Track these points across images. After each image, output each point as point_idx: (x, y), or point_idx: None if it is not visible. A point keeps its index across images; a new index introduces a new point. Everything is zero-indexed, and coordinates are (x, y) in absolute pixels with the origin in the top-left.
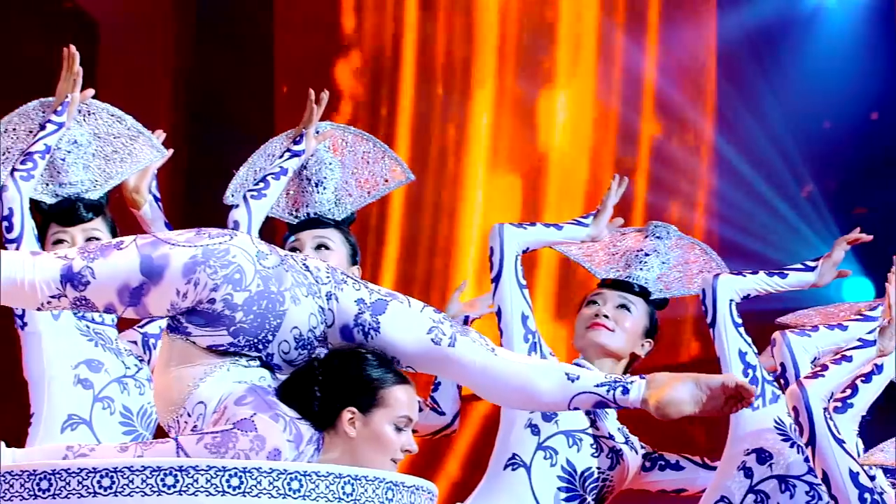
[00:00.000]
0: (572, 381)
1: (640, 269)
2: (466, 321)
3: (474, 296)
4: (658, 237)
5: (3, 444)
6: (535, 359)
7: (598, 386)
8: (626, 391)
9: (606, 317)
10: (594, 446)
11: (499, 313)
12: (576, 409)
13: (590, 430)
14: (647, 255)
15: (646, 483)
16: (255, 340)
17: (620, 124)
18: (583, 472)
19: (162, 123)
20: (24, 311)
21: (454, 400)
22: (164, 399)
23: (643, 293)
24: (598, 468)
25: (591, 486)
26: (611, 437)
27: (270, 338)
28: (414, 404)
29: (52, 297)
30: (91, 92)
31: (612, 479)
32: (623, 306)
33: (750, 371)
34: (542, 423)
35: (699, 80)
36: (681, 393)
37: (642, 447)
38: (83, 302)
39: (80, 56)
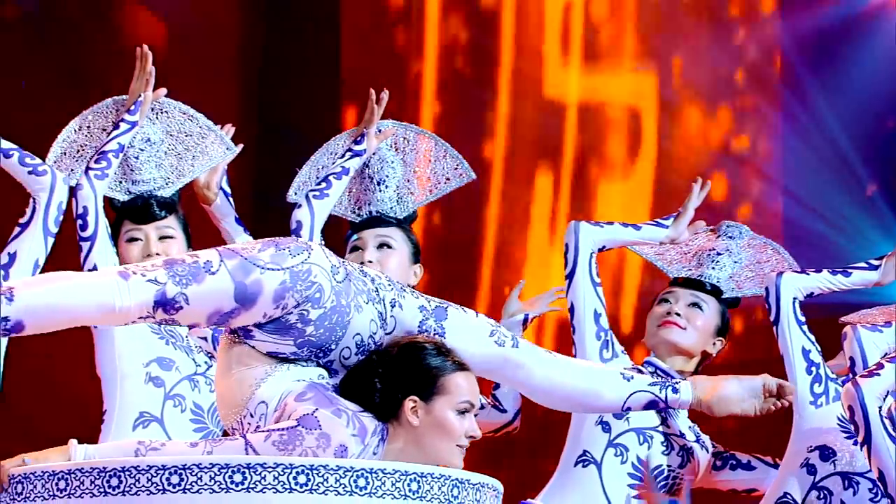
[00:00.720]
0: (627, 381)
1: (713, 268)
2: (526, 320)
3: (533, 295)
4: (730, 237)
5: (74, 441)
6: (589, 362)
7: (651, 385)
8: (675, 390)
9: (678, 315)
10: (665, 444)
11: (571, 310)
12: (628, 409)
13: (660, 428)
14: (719, 254)
15: (717, 482)
16: (318, 350)
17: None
18: (653, 470)
19: (230, 121)
20: None
21: (515, 397)
22: (226, 402)
23: (715, 292)
24: (669, 465)
25: (661, 483)
26: (681, 434)
27: (333, 346)
28: (475, 390)
29: (141, 317)
30: (163, 91)
31: (682, 476)
32: (695, 304)
33: (814, 369)
34: (613, 420)
35: (764, 79)
36: (728, 391)
37: (713, 446)
38: (170, 322)
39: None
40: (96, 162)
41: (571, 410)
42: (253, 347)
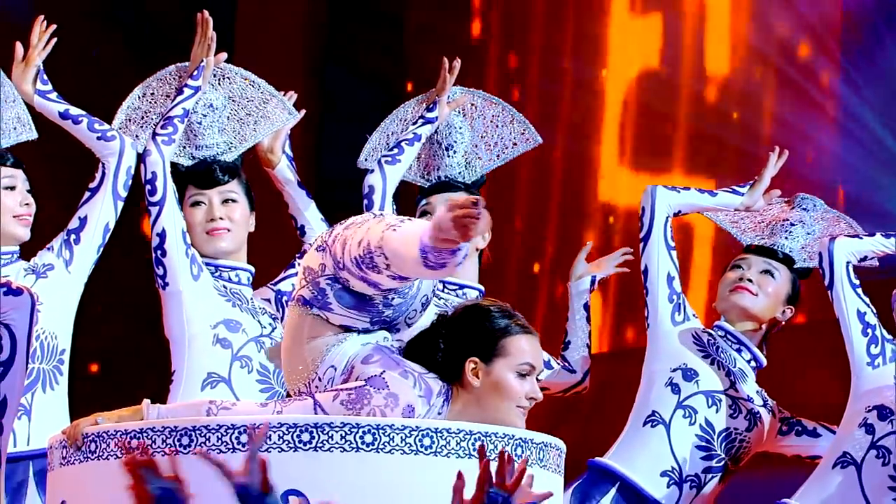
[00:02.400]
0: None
1: (786, 238)
2: (593, 282)
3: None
4: (804, 209)
5: (147, 400)
6: None
7: None
8: None
9: (750, 280)
10: (733, 407)
11: (645, 272)
12: None
13: (729, 392)
14: (792, 224)
15: (781, 447)
16: (388, 326)
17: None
18: (721, 432)
19: (297, 86)
20: (165, 270)
21: (584, 358)
22: (294, 368)
23: (787, 261)
24: (736, 429)
25: (728, 446)
26: (749, 399)
27: (400, 318)
28: (537, 353)
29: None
30: (224, 55)
31: (748, 440)
32: (767, 272)
33: (869, 330)
34: (682, 382)
35: (825, 39)
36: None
37: (780, 411)
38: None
39: (214, 21)
40: (163, 127)
41: None
42: (326, 320)
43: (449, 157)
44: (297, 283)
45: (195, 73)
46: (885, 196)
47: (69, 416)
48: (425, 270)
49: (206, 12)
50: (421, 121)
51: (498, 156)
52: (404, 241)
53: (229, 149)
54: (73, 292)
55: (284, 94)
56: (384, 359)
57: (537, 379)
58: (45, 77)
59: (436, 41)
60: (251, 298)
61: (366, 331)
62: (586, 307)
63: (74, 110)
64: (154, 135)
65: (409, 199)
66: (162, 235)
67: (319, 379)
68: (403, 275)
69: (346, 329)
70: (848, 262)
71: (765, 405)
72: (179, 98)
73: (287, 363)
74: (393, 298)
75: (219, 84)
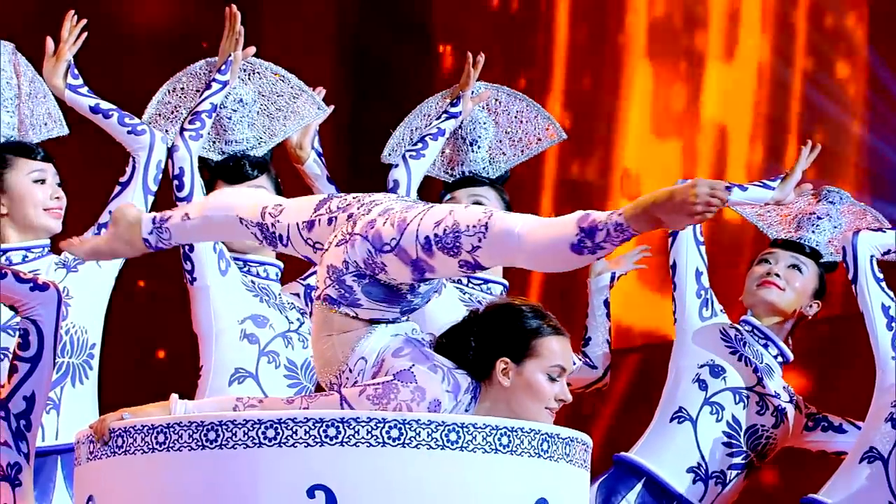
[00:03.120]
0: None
1: (812, 231)
2: (613, 278)
3: (619, 254)
4: (831, 202)
5: (175, 395)
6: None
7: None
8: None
9: (778, 275)
10: (759, 404)
11: (673, 267)
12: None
13: (756, 388)
14: (819, 218)
15: (807, 443)
16: (413, 311)
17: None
18: (747, 429)
19: (325, 82)
20: (193, 265)
21: (605, 354)
22: (325, 361)
23: (814, 255)
24: (763, 426)
25: (754, 442)
26: (776, 395)
27: (424, 305)
28: (568, 355)
29: None
30: (252, 50)
31: (774, 436)
32: (794, 266)
33: (894, 324)
34: (710, 378)
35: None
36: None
37: (806, 407)
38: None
39: (242, 16)
40: (190, 123)
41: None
42: (356, 316)
43: (473, 152)
44: (321, 283)
45: (223, 67)
46: None
47: (98, 411)
48: (568, 255)
49: (234, 7)
50: (445, 115)
51: (522, 151)
52: (541, 223)
53: (259, 144)
54: (104, 287)
55: (314, 90)
56: (414, 352)
57: None
58: (76, 71)
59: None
60: (279, 294)
61: (394, 321)
62: (606, 303)
63: (105, 104)
64: (182, 130)
65: (432, 194)
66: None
67: (350, 370)
68: (488, 262)
69: (376, 322)
70: (872, 256)
71: (791, 401)
72: (207, 93)
73: (318, 355)
74: (419, 285)
75: (249, 79)
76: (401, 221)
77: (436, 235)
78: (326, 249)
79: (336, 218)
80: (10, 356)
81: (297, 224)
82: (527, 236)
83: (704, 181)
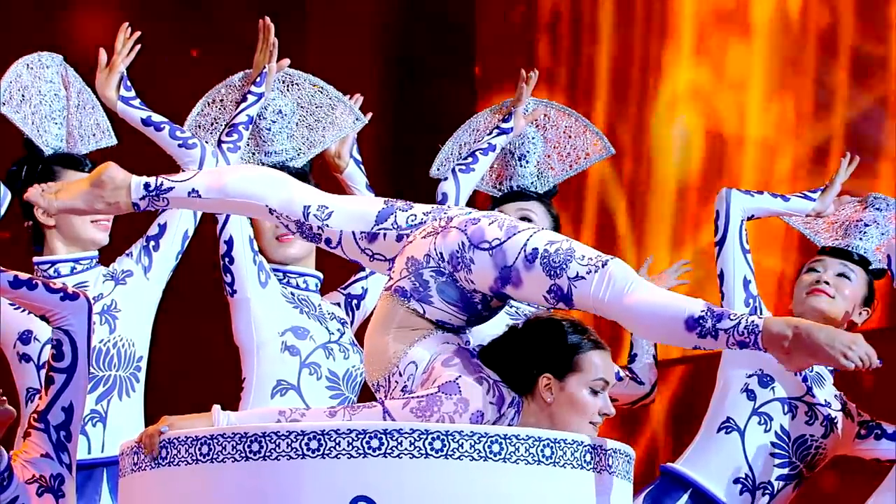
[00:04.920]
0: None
1: (860, 238)
2: None
3: (662, 269)
4: (878, 209)
5: (218, 407)
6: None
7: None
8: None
9: (827, 283)
10: (809, 414)
11: (721, 276)
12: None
13: (805, 398)
14: (866, 225)
15: (859, 451)
16: (477, 324)
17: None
18: (796, 440)
19: (367, 93)
20: (233, 278)
21: (652, 370)
22: (376, 358)
23: (863, 262)
24: (812, 436)
25: (804, 453)
26: (826, 404)
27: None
28: (610, 368)
29: None
30: (286, 62)
31: (824, 446)
32: (843, 274)
33: None
34: (758, 388)
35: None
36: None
37: (859, 414)
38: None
39: (287, 29)
40: (228, 135)
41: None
42: (422, 314)
43: (522, 167)
44: (396, 274)
45: (258, 79)
46: None
47: (144, 423)
48: (674, 326)
49: (267, 19)
50: (496, 131)
51: (570, 166)
52: (664, 293)
53: (298, 155)
54: (152, 299)
55: (351, 98)
56: (463, 362)
57: None
58: (129, 83)
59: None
60: (319, 305)
61: (458, 329)
62: None
63: (157, 117)
64: (220, 142)
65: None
66: (229, 243)
67: (400, 374)
68: (584, 296)
69: (438, 325)
70: None
71: (842, 409)
72: (244, 105)
73: (369, 353)
74: (492, 300)
75: (287, 90)
76: (510, 227)
77: (545, 251)
78: (411, 242)
79: (407, 236)
80: (46, 367)
81: (354, 233)
82: (639, 293)
83: (864, 343)
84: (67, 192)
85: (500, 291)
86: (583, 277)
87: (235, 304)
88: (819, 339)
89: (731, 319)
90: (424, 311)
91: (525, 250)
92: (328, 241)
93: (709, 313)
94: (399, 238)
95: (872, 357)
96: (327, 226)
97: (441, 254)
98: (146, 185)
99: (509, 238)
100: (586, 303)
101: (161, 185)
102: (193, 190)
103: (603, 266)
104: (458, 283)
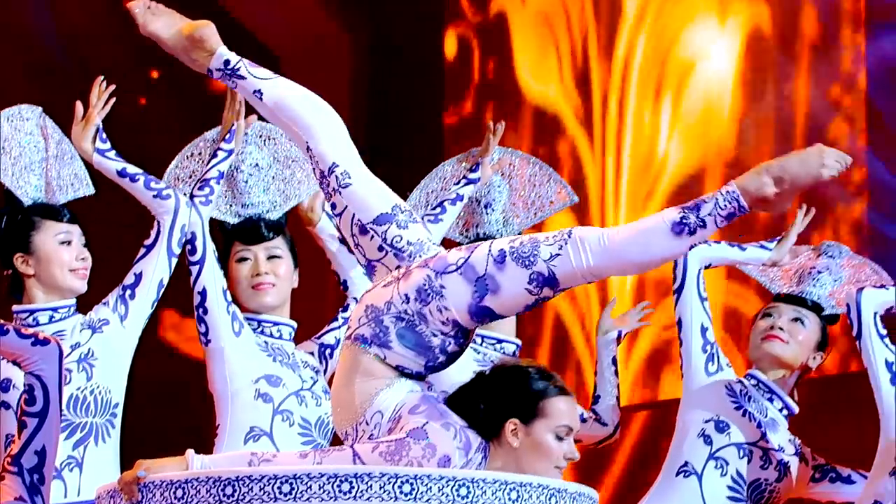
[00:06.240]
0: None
1: (813, 285)
2: (619, 336)
3: (623, 311)
4: (830, 256)
5: (191, 451)
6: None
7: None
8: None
9: (781, 329)
10: (763, 458)
11: (679, 323)
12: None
13: (760, 443)
14: (819, 272)
15: (814, 494)
16: (436, 372)
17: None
18: (751, 483)
19: None
20: (207, 328)
21: (615, 410)
22: (343, 409)
23: (816, 308)
24: (766, 480)
25: (758, 496)
26: (780, 449)
27: (448, 367)
28: (574, 414)
29: None
30: (254, 118)
31: (778, 490)
32: (797, 319)
33: None
34: (714, 433)
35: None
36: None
37: (814, 458)
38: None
39: None
40: (200, 189)
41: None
42: (383, 359)
43: (487, 214)
44: (354, 322)
45: (227, 135)
46: None
47: (119, 468)
48: (665, 238)
49: None
50: (464, 181)
51: (535, 214)
52: (630, 224)
53: (274, 207)
54: (128, 347)
55: None
56: (430, 409)
57: None
58: (104, 136)
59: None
60: (293, 353)
61: (417, 375)
62: (614, 361)
63: (132, 168)
64: (192, 196)
65: None
66: (203, 294)
67: (367, 423)
68: (567, 271)
69: (399, 371)
70: (875, 313)
71: (796, 453)
72: (214, 161)
73: (336, 404)
74: (449, 345)
75: (265, 145)
76: (469, 246)
77: (511, 248)
78: (370, 291)
79: (385, 252)
80: (18, 412)
81: (354, 216)
82: (615, 233)
83: (829, 149)
84: (165, 23)
85: (480, 307)
86: (558, 254)
87: (210, 353)
88: (794, 169)
89: (708, 202)
90: (385, 357)
91: (492, 255)
92: (333, 206)
93: (686, 210)
94: (380, 248)
95: (843, 156)
96: (339, 193)
97: (406, 295)
98: (226, 62)
99: (472, 253)
100: (574, 276)
101: (238, 69)
102: (259, 91)
103: (569, 236)
104: (417, 328)
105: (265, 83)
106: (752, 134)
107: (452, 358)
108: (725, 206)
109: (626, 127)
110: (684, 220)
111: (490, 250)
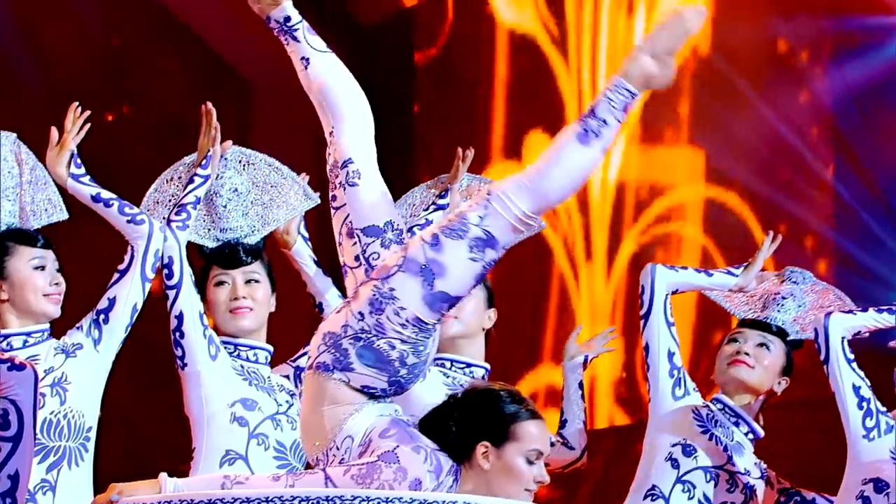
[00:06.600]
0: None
1: (778, 311)
2: (586, 361)
3: (589, 337)
4: (794, 282)
5: (164, 474)
6: None
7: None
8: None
9: (747, 354)
10: (730, 482)
11: (647, 349)
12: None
13: (726, 467)
14: (784, 298)
15: None
16: (402, 390)
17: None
18: None
19: (311, 171)
20: (184, 351)
21: (582, 434)
22: (312, 436)
23: (781, 333)
24: (732, 503)
25: None
26: (746, 472)
27: (412, 381)
28: (545, 438)
29: None
30: (229, 143)
31: None
32: (763, 345)
33: (864, 403)
34: (682, 457)
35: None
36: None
37: (779, 482)
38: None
39: (235, 113)
40: (177, 214)
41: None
42: (347, 382)
43: None
44: (314, 351)
45: (203, 161)
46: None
47: (93, 491)
48: (578, 152)
49: (209, 104)
50: (433, 207)
51: None
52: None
53: (252, 232)
54: (101, 371)
55: (301, 176)
56: (400, 433)
57: None
58: (79, 161)
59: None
60: (268, 377)
61: (382, 394)
62: (580, 385)
63: (106, 194)
64: (169, 221)
65: None
66: (180, 318)
67: (337, 448)
68: (501, 224)
69: (365, 392)
70: (843, 338)
71: (762, 477)
72: (191, 187)
73: (306, 432)
74: (408, 357)
75: (244, 170)
76: (402, 246)
77: (441, 228)
78: (325, 320)
79: (360, 263)
80: None
81: (348, 216)
82: (531, 168)
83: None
84: None
85: (433, 294)
86: (486, 214)
87: (186, 377)
88: (665, 41)
89: (601, 101)
90: (349, 380)
91: (425, 241)
92: (334, 198)
93: (584, 118)
94: (357, 258)
95: (699, 8)
96: (344, 189)
97: (360, 313)
98: (287, 18)
99: (406, 249)
100: (510, 229)
101: (295, 29)
102: (307, 59)
103: (490, 194)
104: (375, 345)
105: (316, 54)
106: (725, 38)
107: (413, 370)
108: (617, 97)
109: (601, 40)
110: (586, 127)
111: (423, 239)
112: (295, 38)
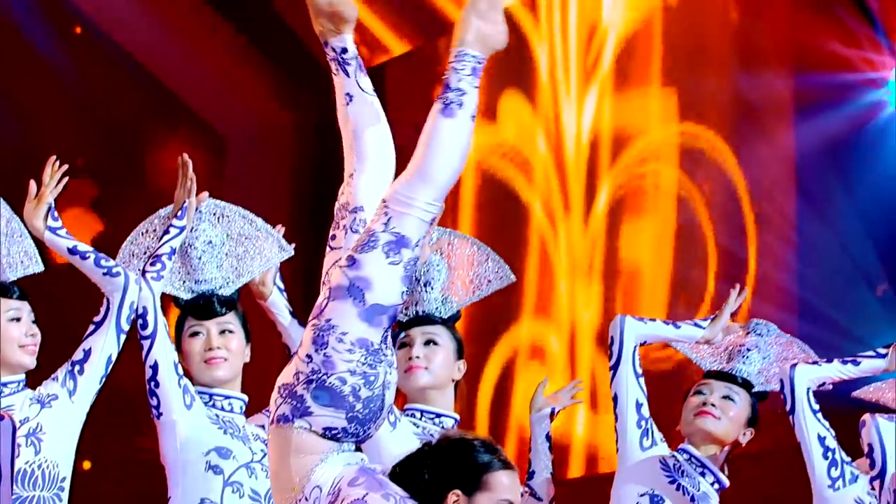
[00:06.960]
0: None
1: (743, 362)
2: (553, 413)
3: (554, 390)
4: (759, 334)
5: None
6: None
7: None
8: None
9: (713, 405)
10: None
11: (615, 399)
12: None
13: None
14: (748, 350)
15: None
16: (363, 429)
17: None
18: None
19: (285, 223)
20: (159, 401)
21: (549, 485)
22: (282, 488)
23: (746, 385)
24: None
25: None
26: None
27: (375, 422)
28: (516, 488)
29: None
30: (205, 195)
31: None
32: (728, 397)
33: (829, 454)
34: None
35: (775, 193)
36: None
37: None
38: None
39: (208, 166)
40: (152, 265)
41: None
42: (309, 427)
43: (427, 292)
44: (273, 406)
45: (179, 212)
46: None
47: None
48: (445, 126)
49: (185, 156)
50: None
51: (474, 292)
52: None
53: (227, 283)
54: (76, 421)
55: (275, 227)
56: (368, 480)
57: None
58: (56, 214)
59: None
60: (243, 426)
61: (344, 434)
62: (548, 437)
63: (82, 246)
64: (144, 272)
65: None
66: (154, 368)
67: (306, 499)
68: (404, 220)
69: (328, 436)
70: (808, 388)
71: None
72: (166, 238)
73: (276, 486)
74: (360, 389)
75: (218, 222)
76: (324, 281)
77: (354, 249)
78: (279, 377)
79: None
80: None
81: (338, 261)
82: (415, 164)
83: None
84: None
85: (368, 308)
86: (389, 217)
87: (161, 426)
88: (471, 12)
89: (450, 74)
90: (311, 425)
91: (343, 266)
92: (333, 237)
93: (441, 94)
94: (322, 284)
95: None
96: (346, 232)
97: (307, 356)
98: (344, 49)
99: (329, 280)
100: (417, 223)
101: (348, 63)
102: (351, 96)
103: (385, 200)
104: (327, 383)
105: (361, 95)
106: None
107: (368, 405)
108: (463, 66)
109: (570, 4)
110: (446, 102)
111: (340, 265)
112: (346, 72)
